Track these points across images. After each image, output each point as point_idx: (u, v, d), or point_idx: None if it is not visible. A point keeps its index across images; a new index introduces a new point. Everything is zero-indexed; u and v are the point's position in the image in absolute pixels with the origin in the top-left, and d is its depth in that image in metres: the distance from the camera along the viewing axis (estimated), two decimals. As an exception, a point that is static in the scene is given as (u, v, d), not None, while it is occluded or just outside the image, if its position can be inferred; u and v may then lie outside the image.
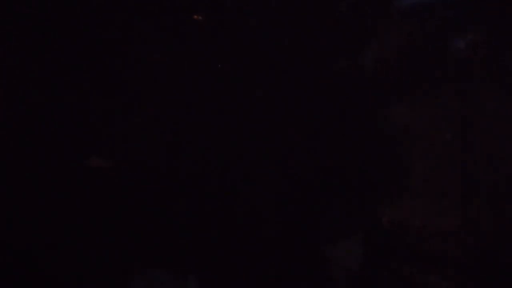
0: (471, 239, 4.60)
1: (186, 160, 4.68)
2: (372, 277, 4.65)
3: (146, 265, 4.49)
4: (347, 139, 4.84)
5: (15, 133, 4.55)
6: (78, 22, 4.67)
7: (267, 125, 4.76)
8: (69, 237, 4.42)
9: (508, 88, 4.83)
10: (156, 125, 4.69)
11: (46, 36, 4.72)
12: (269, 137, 4.77)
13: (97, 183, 4.54)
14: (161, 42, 4.72)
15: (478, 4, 4.91)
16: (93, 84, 4.67)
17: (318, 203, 4.77)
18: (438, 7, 5.10)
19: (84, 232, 4.46)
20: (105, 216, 4.49)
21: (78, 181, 4.52)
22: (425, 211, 4.72)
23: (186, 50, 4.66)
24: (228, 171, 4.72)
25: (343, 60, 4.88)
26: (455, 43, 4.97)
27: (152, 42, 4.73)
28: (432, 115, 4.89)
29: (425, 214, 4.72)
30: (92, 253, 4.44)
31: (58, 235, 4.41)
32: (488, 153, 4.76)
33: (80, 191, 4.50)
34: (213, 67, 4.66)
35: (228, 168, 4.72)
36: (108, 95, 4.71)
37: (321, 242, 4.69)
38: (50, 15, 4.70)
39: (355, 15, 4.88)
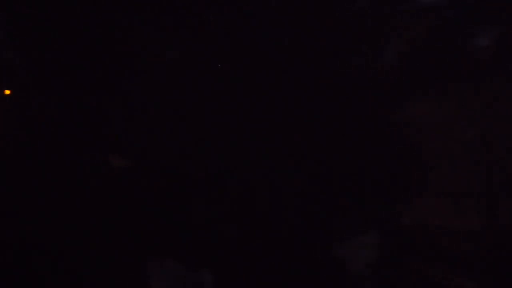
0: (493, 239, 4.56)
1: (205, 157, 4.64)
2: (390, 277, 4.60)
3: (162, 257, 4.49)
4: (366, 137, 4.79)
5: (35, 133, 4.54)
6: (89, 23, 4.65)
7: (284, 123, 4.72)
8: (88, 229, 4.42)
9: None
10: (175, 124, 4.66)
11: (63, 36, 4.71)
12: (286, 135, 4.73)
13: (116, 180, 4.52)
14: (175, 43, 4.69)
15: (499, 2, 4.86)
16: (110, 84, 4.65)
17: (333, 202, 4.73)
18: (459, 3, 5.05)
19: (103, 225, 4.46)
20: (123, 210, 4.49)
21: (97, 178, 4.50)
22: (446, 210, 4.67)
23: (199, 49, 4.63)
24: (247, 169, 4.68)
25: (361, 56, 4.84)
26: (476, 40, 4.92)
27: (167, 43, 4.70)
28: (452, 113, 4.84)
29: (445, 213, 4.67)
30: (110, 246, 4.44)
31: (77, 227, 4.40)
32: (509, 151, 4.71)
33: (98, 187, 4.49)
34: (231, 66, 4.62)
35: (247, 166, 4.68)
36: (126, 95, 4.68)
37: (334, 241, 4.65)
38: (60, 16, 4.68)
39: (374, 11, 4.83)
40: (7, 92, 5.07)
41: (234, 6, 4.66)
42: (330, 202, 4.66)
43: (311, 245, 4.63)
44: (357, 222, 4.72)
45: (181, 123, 4.68)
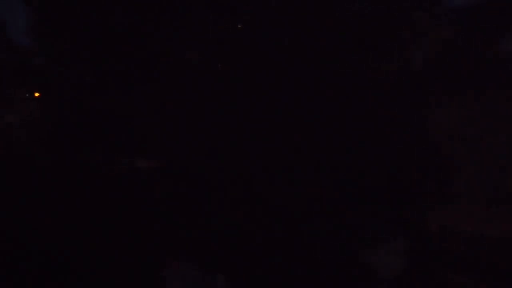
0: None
1: (226, 161, 4.62)
2: (418, 284, 4.46)
3: (178, 260, 4.45)
4: (394, 142, 4.70)
5: (63, 134, 4.60)
6: (114, 30, 4.73)
7: (312, 126, 4.68)
8: (109, 230, 4.41)
9: None
10: (200, 127, 4.67)
11: (89, 42, 4.80)
12: (312, 142, 4.68)
13: (141, 182, 4.53)
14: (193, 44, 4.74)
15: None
16: (136, 88, 4.70)
17: (361, 208, 4.64)
18: (490, 9, 5.00)
19: (123, 227, 4.45)
20: (143, 212, 4.48)
21: (122, 179, 4.52)
22: (477, 217, 4.54)
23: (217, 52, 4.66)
24: (271, 175, 4.63)
25: (391, 60, 4.79)
26: (504, 45, 4.85)
27: (185, 44, 4.75)
28: (484, 118, 4.74)
29: (477, 220, 4.53)
30: (129, 247, 4.42)
31: (97, 228, 4.40)
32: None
33: (120, 188, 4.50)
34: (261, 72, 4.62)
35: (271, 172, 4.63)
36: (154, 98, 4.72)
37: (362, 247, 4.54)
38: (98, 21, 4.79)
39: (404, 16, 4.80)
40: (37, 94, 5.17)
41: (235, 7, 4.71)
42: (358, 208, 4.57)
43: (339, 251, 4.53)
44: (386, 228, 4.62)
45: (202, 128, 4.68)
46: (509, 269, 4.41)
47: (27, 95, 5.36)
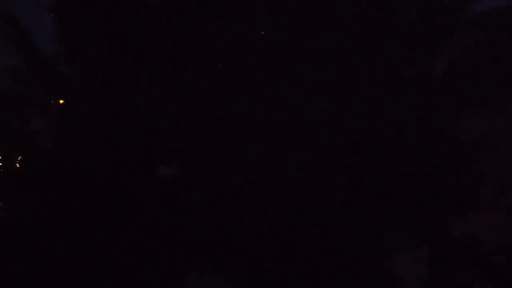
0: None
1: (251, 169, 4.63)
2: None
3: (203, 271, 4.48)
4: (417, 149, 4.70)
5: (88, 141, 4.63)
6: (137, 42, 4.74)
7: (334, 131, 4.68)
8: (132, 239, 4.45)
9: None
10: (221, 134, 4.67)
11: (114, 51, 4.81)
12: (336, 148, 4.68)
13: (162, 190, 4.56)
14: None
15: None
16: (160, 96, 4.71)
17: (385, 216, 4.65)
18: (510, 16, 4.97)
19: (146, 236, 4.48)
20: (167, 222, 4.51)
21: (145, 187, 4.54)
22: (500, 225, 4.56)
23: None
24: (296, 183, 4.64)
25: (413, 67, 4.78)
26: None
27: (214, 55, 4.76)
28: (506, 125, 4.73)
29: (499, 228, 4.55)
30: (153, 257, 4.45)
31: (122, 236, 4.45)
32: None
33: (145, 196, 4.53)
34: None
35: (296, 180, 4.64)
36: (175, 105, 4.73)
37: (386, 255, 4.57)
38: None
39: (426, 23, 4.78)
40: (61, 101, 5.20)
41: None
42: (382, 216, 4.58)
43: (363, 259, 4.55)
44: (409, 236, 4.64)
45: (227, 135, 4.69)
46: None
47: (52, 102, 5.43)
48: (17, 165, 5.02)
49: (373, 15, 4.70)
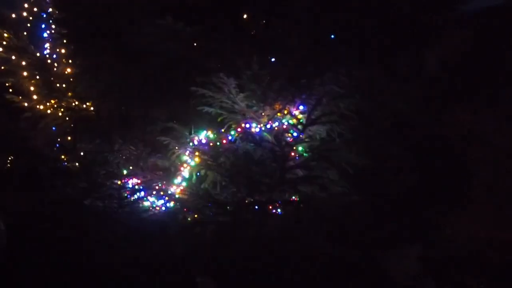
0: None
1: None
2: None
3: (208, 277, 4.48)
4: (409, 147, 4.70)
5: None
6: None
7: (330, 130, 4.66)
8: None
9: None
10: None
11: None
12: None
13: None
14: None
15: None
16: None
17: (378, 213, 4.65)
18: (502, 12, 4.95)
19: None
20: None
21: None
22: (491, 222, 4.56)
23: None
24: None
25: (404, 59, 4.71)
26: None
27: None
28: (497, 120, 4.72)
29: (490, 225, 4.55)
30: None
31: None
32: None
33: None
34: None
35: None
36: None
37: (376, 250, 4.56)
38: None
39: (418, 17, 4.72)
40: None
41: None
42: (375, 213, 4.58)
43: (355, 256, 4.56)
44: (401, 233, 4.64)
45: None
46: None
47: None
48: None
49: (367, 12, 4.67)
